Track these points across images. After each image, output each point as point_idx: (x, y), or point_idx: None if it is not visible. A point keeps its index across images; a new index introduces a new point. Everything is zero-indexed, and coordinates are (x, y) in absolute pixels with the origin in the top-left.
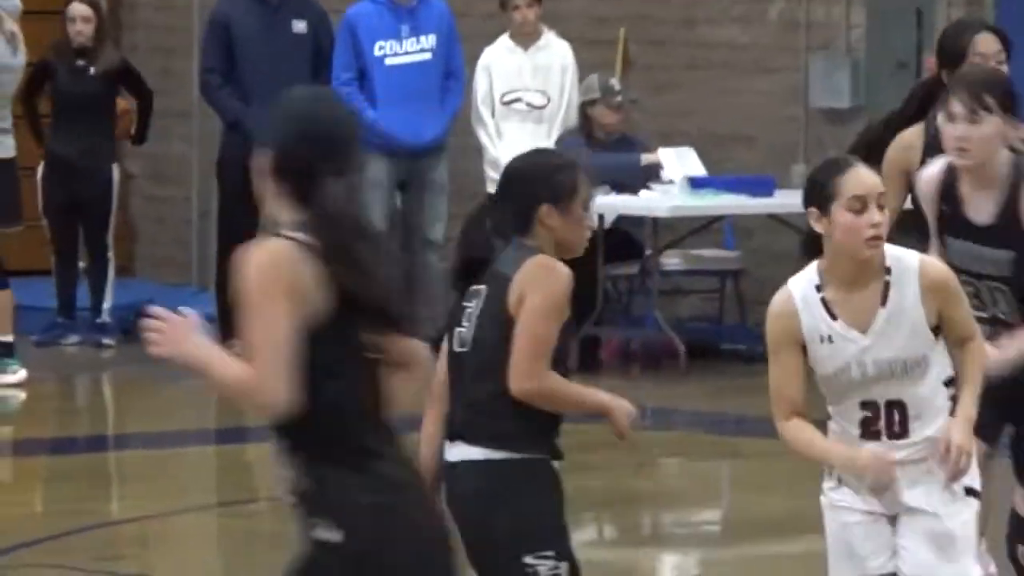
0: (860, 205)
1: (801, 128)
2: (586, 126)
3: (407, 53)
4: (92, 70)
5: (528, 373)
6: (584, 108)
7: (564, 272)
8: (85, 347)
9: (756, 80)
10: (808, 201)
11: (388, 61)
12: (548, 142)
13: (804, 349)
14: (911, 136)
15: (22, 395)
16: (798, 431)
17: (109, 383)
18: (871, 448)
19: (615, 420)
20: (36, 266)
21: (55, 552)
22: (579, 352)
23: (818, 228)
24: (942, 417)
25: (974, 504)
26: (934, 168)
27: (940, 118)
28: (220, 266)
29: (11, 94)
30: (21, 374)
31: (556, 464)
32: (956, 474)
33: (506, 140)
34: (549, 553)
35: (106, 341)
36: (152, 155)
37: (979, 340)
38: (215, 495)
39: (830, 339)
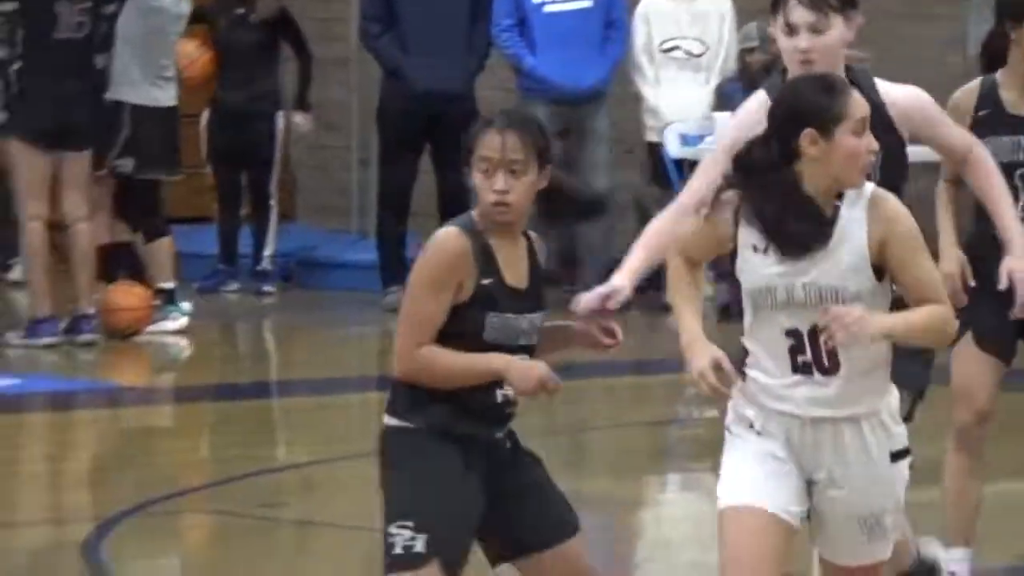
0: (862, 128)
1: (961, 76)
2: (746, 74)
3: (566, 1)
4: (251, 18)
5: (401, 354)
6: (743, 56)
7: (446, 245)
8: (246, 294)
9: (917, 27)
10: (804, 122)
11: (547, 8)
12: (707, 90)
13: (732, 255)
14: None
15: (184, 342)
16: (678, 276)
17: (270, 330)
18: (716, 356)
19: (513, 384)
20: (198, 213)
21: (217, 498)
22: None
23: (811, 151)
24: (880, 371)
25: (904, 471)
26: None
27: (777, 31)
28: (381, 213)
29: (175, 42)
30: (183, 321)
31: (454, 434)
32: (848, 332)
33: (664, 88)
34: (408, 523)
35: (267, 288)
36: (312, 103)
37: (945, 308)
38: (376, 442)
39: (766, 251)
